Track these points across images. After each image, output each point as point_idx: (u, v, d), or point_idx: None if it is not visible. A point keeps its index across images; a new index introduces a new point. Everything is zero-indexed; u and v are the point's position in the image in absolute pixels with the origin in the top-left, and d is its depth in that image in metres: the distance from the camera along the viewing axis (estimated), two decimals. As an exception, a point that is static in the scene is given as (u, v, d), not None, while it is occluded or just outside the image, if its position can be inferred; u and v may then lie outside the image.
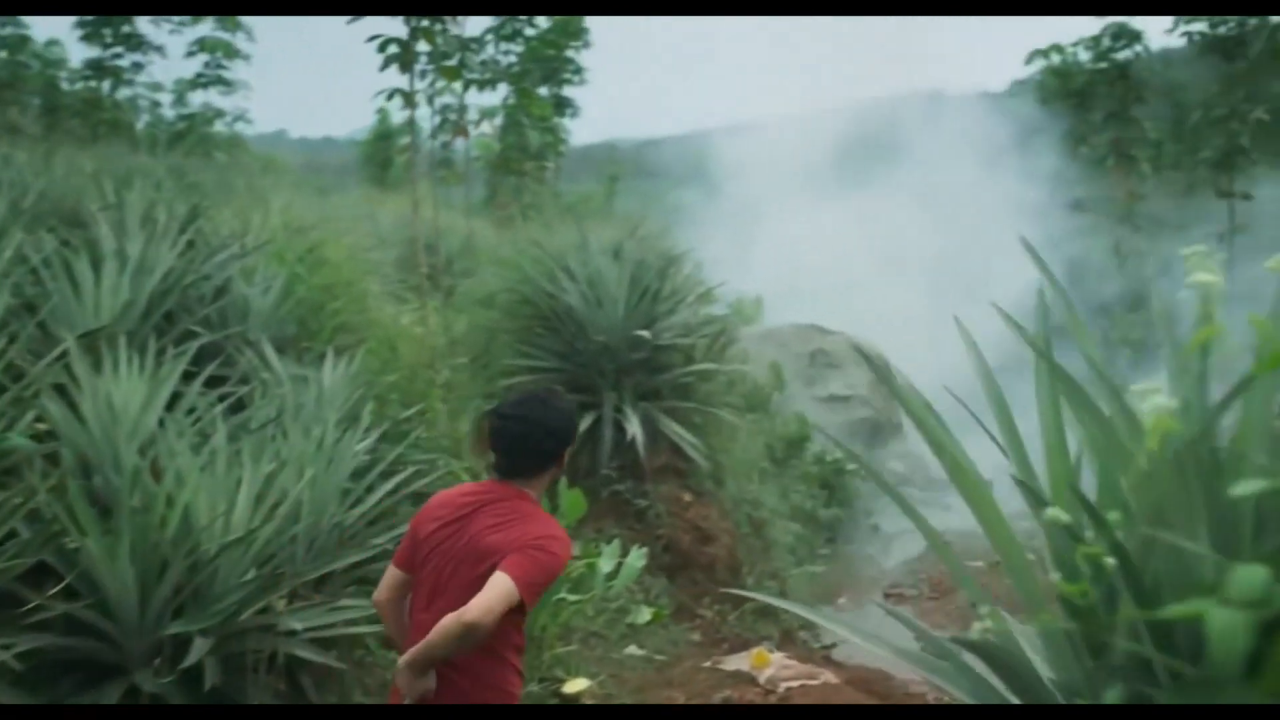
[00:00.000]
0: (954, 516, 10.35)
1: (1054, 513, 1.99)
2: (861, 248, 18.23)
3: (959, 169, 21.07)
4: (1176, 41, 14.35)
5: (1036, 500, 2.14)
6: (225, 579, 4.15)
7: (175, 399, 5.05)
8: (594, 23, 20.67)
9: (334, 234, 7.53)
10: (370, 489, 5.24)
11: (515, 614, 3.13)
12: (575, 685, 5.54)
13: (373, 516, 5.19)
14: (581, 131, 21.45)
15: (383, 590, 3.43)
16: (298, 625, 4.19)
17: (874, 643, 2.51)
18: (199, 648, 3.82)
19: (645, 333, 7.23)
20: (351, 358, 5.76)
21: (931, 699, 6.62)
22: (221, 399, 5.20)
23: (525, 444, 3.30)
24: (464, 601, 3.02)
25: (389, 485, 5.33)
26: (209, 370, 5.40)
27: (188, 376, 5.24)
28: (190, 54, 16.83)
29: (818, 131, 21.42)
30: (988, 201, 20.83)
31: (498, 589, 2.89)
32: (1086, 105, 23.70)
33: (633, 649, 6.33)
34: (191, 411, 5.02)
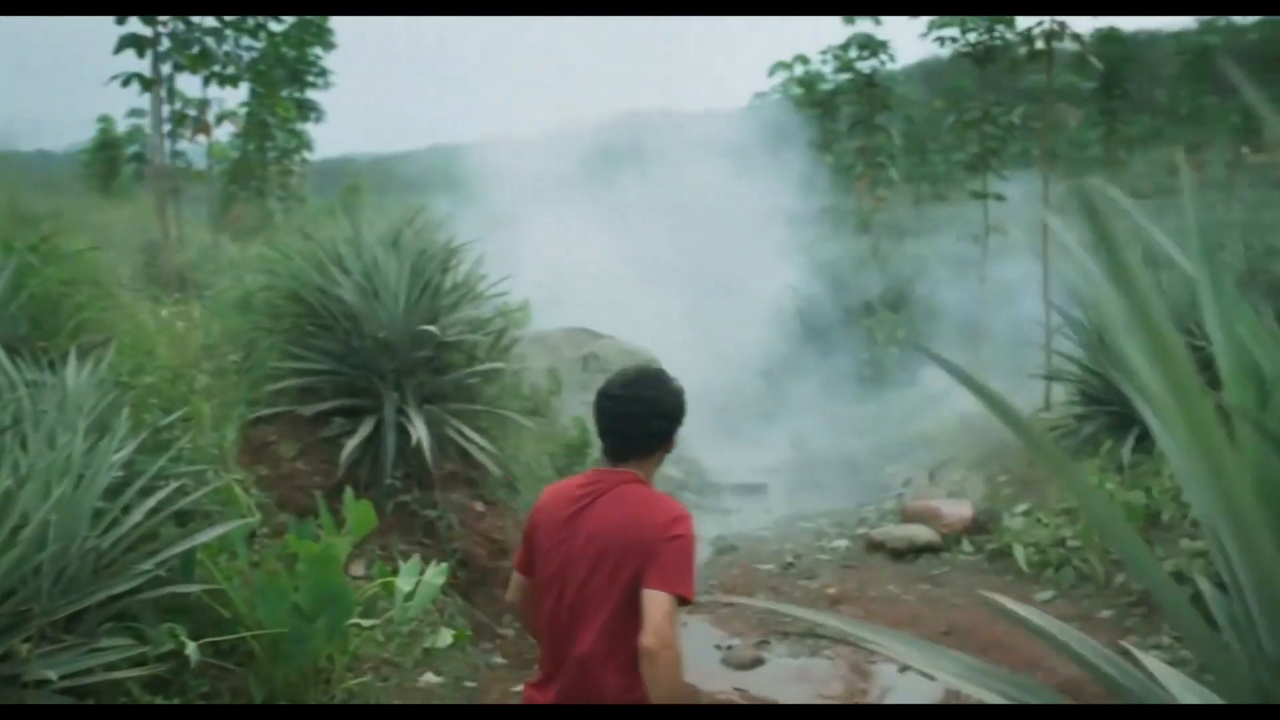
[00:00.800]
0: (734, 521, 10.15)
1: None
2: (619, 255, 18.10)
3: (710, 179, 21.27)
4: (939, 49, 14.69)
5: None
6: (-47, 622, 3.38)
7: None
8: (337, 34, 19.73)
9: (68, 227, 6.63)
10: (128, 509, 4.50)
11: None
12: (374, 721, 4.91)
13: (133, 540, 4.46)
14: (321, 146, 20.32)
15: (513, 594, 3.44)
16: (50, 674, 3.45)
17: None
18: (-79, 710, 3.06)
19: (432, 327, 6.62)
20: (100, 359, 4.96)
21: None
22: (-62, 407, 4.36)
23: (639, 425, 3.24)
24: (592, 601, 3.06)
25: (150, 503, 4.60)
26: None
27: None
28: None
29: (568, 144, 21.31)
30: (740, 210, 21.09)
31: (660, 609, 2.80)
32: (831, 114, 24.37)
33: (429, 676, 5.73)
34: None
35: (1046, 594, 8.17)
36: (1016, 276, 16.24)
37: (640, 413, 3.23)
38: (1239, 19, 30.90)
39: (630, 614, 3.00)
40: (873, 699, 6.82)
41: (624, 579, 3.04)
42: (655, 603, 2.93)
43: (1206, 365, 7.09)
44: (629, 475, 3.21)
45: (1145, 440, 9.04)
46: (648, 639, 2.89)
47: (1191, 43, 29.41)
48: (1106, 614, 7.58)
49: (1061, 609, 7.92)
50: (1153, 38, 34.56)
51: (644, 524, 3.08)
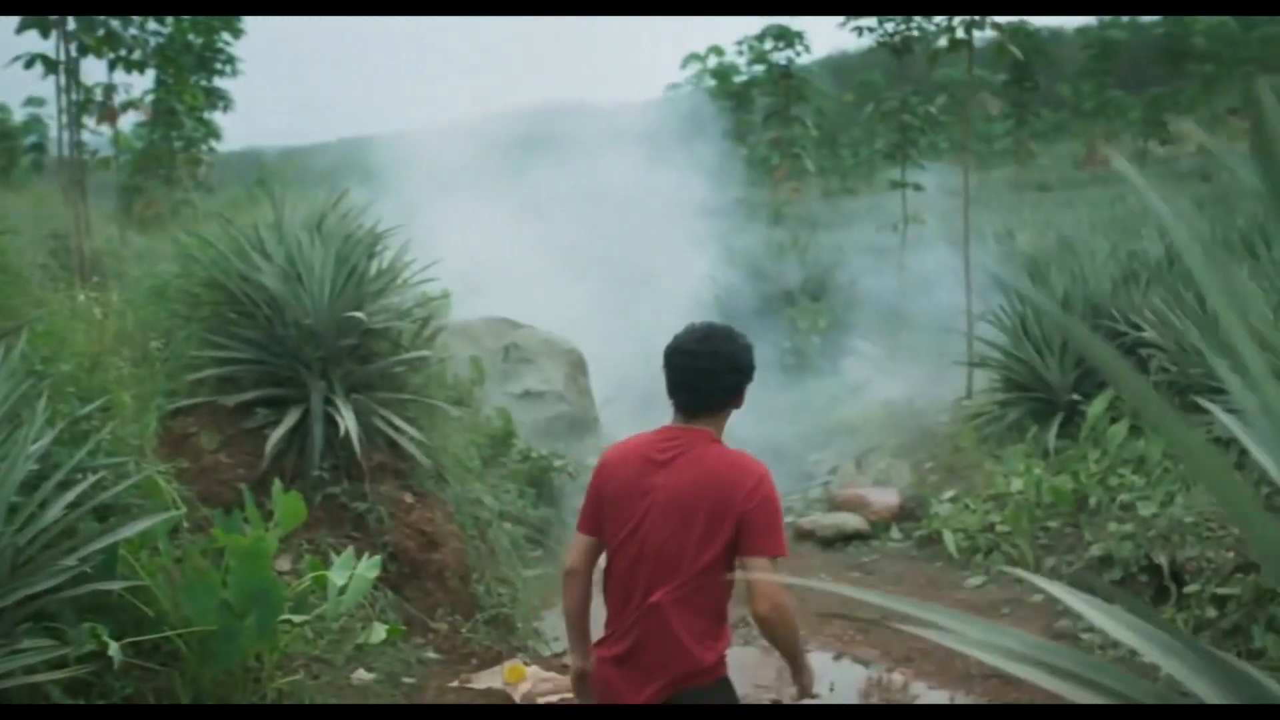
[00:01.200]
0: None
1: None
2: (535, 246, 17.93)
3: (624, 170, 21.18)
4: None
5: None
6: None
7: None
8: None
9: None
10: (45, 504, 4.27)
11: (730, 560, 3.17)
12: (309, 720, 4.72)
13: (51, 537, 4.23)
14: (226, 138, 19.68)
15: (575, 559, 3.39)
16: (-33, 678, 3.24)
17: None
18: None
19: (359, 314, 6.41)
20: (11, 346, 4.70)
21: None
22: None
23: (713, 380, 3.29)
24: (676, 559, 3.14)
25: (68, 497, 4.36)
26: None
27: None
28: None
29: (481, 136, 21.05)
30: (654, 201, 21.04)
31: (763, 575, 2.83)
32: (745, 106, 24.42)
33: (361, 673, 5.55)
34: None
35: (977, 579, 8.20)
36: (934, 265, 16.40)
37: (715, 368, 3.28)
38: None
39: (714, 572, 3.14)
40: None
41: (714, 541, 3.13)
42: (758, 569, 3.09)
43: (1131, 350, 7.10)
44: (706, 434, 3.28)
45: (1068, 425, 9.14)
46: (761, 606, 3.05)
47: (1096, 38, 29.97)
48: (1038, 598, 7.61)
49: (993, 594, 7.95)
50: (1055, 35, 35.22)
51: (731, 487, 3.15)
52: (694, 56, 27.10)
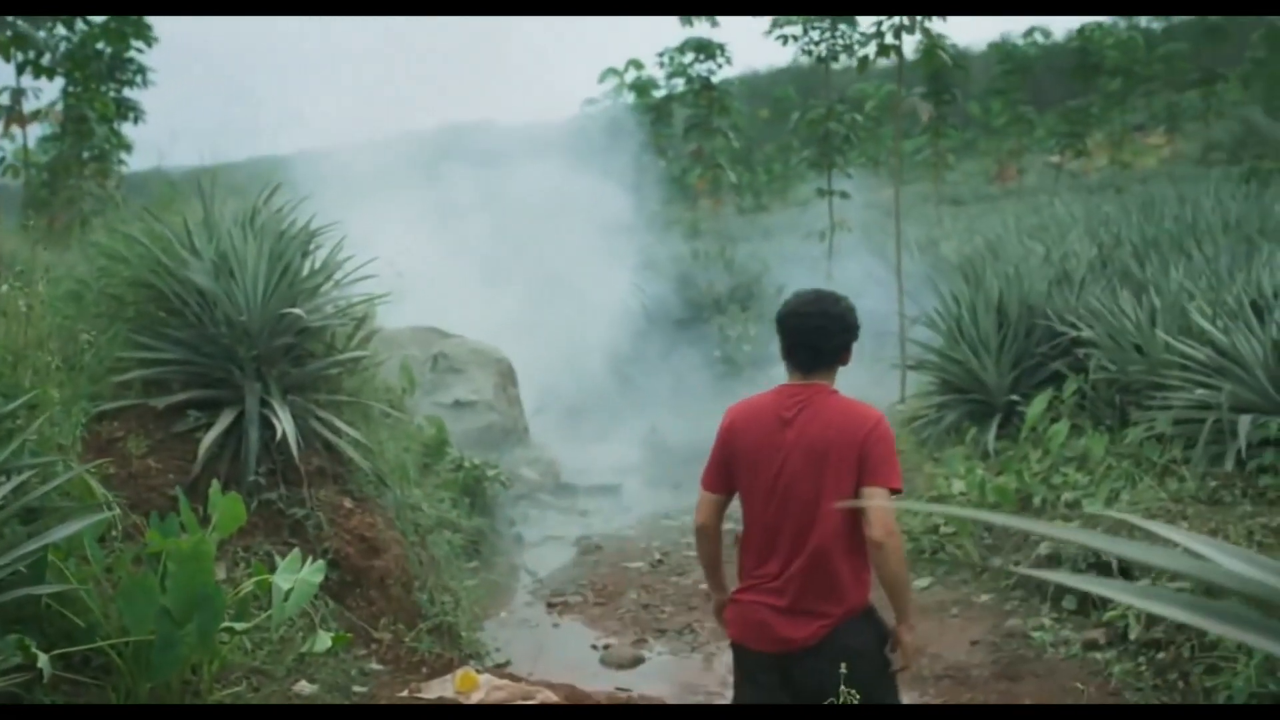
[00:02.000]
0: (595, 521, 9.85)
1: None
2: (453, 258, 17.68)
3: (542, 184, 21.05)
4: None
5: None
6: None
7: None
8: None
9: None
10: (-33, 505, 3.98)
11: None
12: (255, 733, 4.45)
13: (-26, 539, 3.94)
14: (134, 160, 18.92)
15: (706, 515, 3.88)
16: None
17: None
18: None
19: (297, 310, 6.14)
20: (-73, 339, 4.40)
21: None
22: None
23: (828, 339, 3.65)
24: (823, 499, 3.48)
25: (-7, 498, 4.08)
26: None
27: None
28: None
29: (397, 153, 20.79)
30: (574, 215, 20.90)
31: (881, 501, 3.03)
32: (664, 120, 24.36)
33: (304, 685, 5.28)
34: None
35: (924, 581, 8.12)
36: (860, 274, 16.44)
37: (829, 328, 3.65)
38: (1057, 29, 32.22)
39: (856, 510, 3.50)
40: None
41: (847, 478, 3.51)
42: (875, 498, 3.47)
43: (1066, 351, 7.09)
44: (824, 388, 3.67)
45: (1007, 426, 9.12)
46: (875, 532, 3.44)
47: (1009, 52, 30.44)
48: (986, 598, 7.56)
49: (940, 595, 7.88)
50: (962, 53, 35.76)
51: (853, 429, 3.55)
52: (612, 71, 27.01)
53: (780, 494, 3.58)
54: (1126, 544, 1.27)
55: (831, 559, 3.54)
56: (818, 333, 3.64)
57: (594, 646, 7.51)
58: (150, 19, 17.31)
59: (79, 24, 15.94)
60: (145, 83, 18.84)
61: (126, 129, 18.73)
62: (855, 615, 3.62)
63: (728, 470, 3.74)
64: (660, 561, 9.35)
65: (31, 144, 16.54)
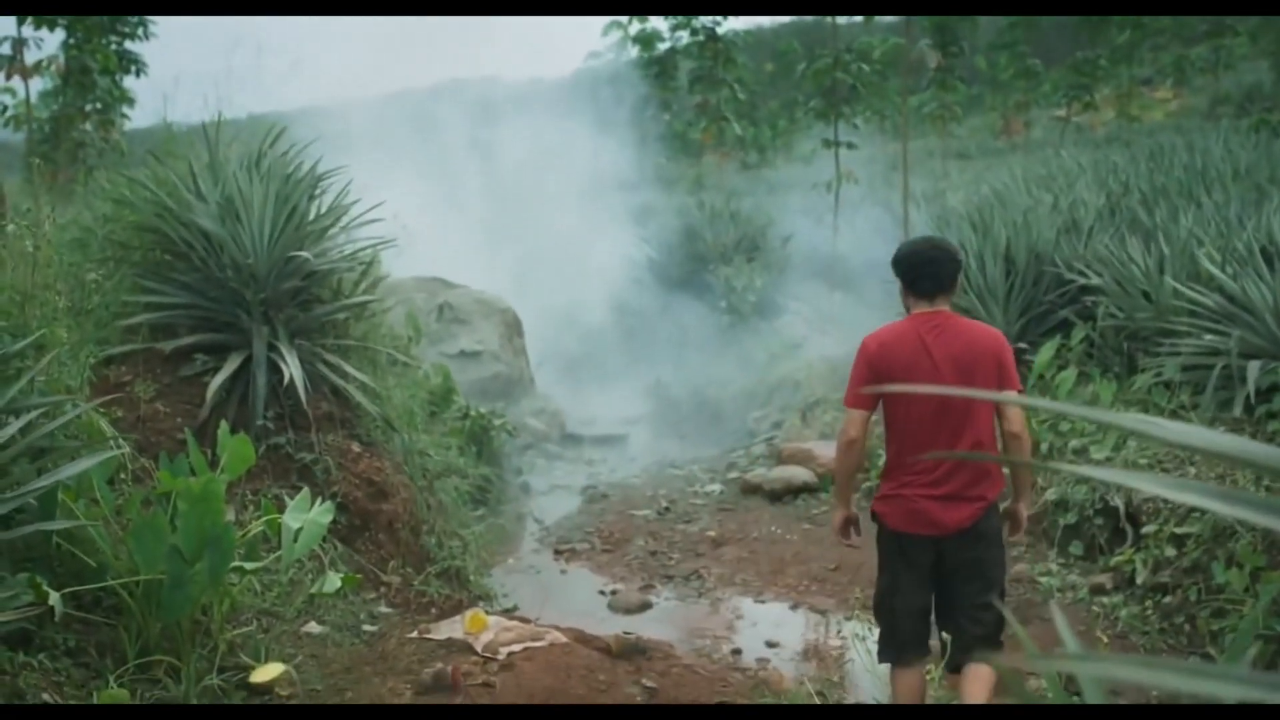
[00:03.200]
0: (601, 471, 9.84)
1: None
2: (459, 212, 17.63)
3: (547, 141, 20.97)
4: None
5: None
6: None
7: None
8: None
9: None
10: (-25, 443, 3.97)
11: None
12: (267, 672, 4.46)
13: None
14: (135, 115, 18.73)
15: (858, 430, 4.39)
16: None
17: None
18: None
19: (304, 253, 6.11)
20: (-66, 277, 4.38)
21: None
22: None
23: (942, 267, 4.39)
24: (968, 406, 4.24)
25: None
26: None
27: None
28: None
29: (400, 110, 20.71)
30: (581, 170, 20.79)
31: (1014, 398, 3.17)
32: (669, 73, 24.16)
33: (312, 625, 5.30)
34: None
35: (930, 528, 8.13)
36: (866, 226, 16.36)
37: (940, 259, 4.40)
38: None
39: (993, 408, 4.31)
40: (757, 635, 6.66)
41: (991, 384, 4.26)
42: (1011, 396, 4.46)
43: (1074, 299, 7.07)
44: (948, 312, 4.41)
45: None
46: (1014, 426, 4.30)
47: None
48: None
49: (946, 540, 7.89)
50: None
51: (988, 343, 4.34)
52: (616, 24, 26.76)
53: (935, 400, 4.24)
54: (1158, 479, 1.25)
55: (984, 452, 4.30)
56: (933, 263, 4.38)
57: (601, 592, 7.53)
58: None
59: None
60: (147, 35, 18.69)
61: (129, 83, 18.61)
62: (993, 501, 4.36)
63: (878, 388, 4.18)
64: (667, 509, 9.37)
65: (33, 99, 16.42)
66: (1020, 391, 4.49)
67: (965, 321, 4.44)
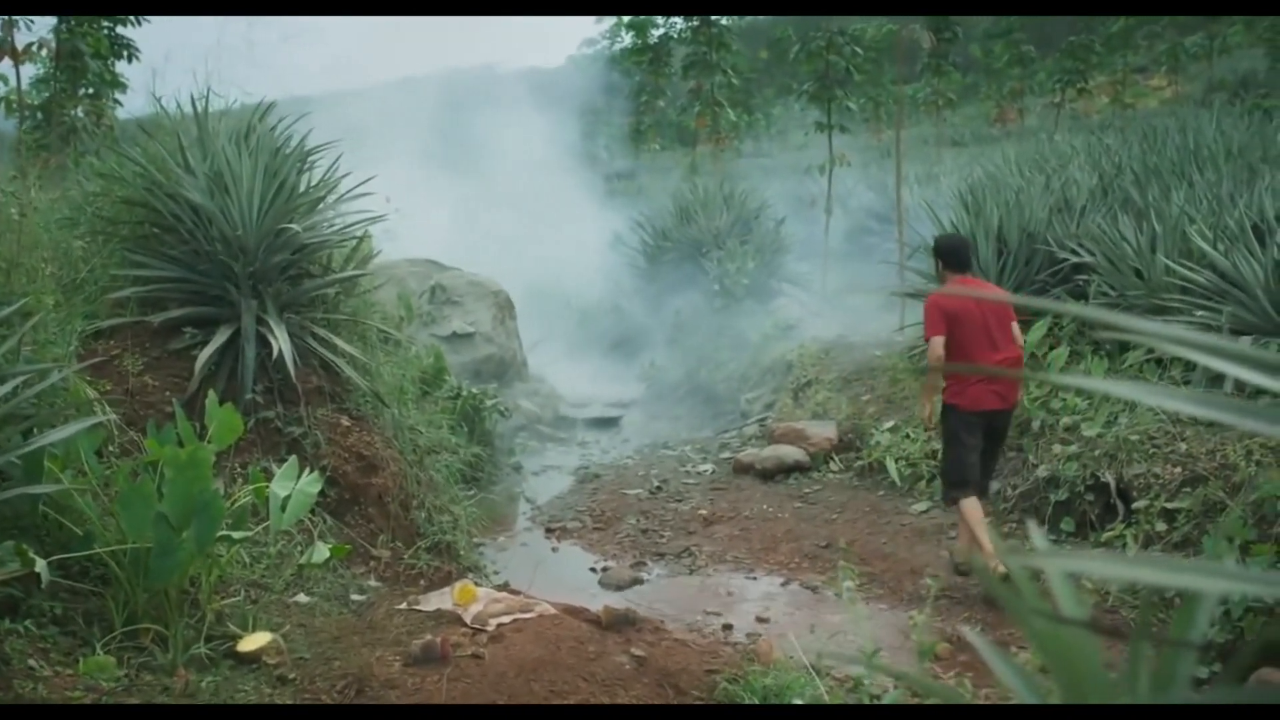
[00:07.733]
0: (594, 452, 9.80)
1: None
2: (454, 196, 17.64)
3: (543, 129, 20.97)
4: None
5: None
6: None
7: None
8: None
9: None
10: (-38, 406, 3.94)
11: None
12: (254, 641, 4.45)
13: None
14: (128, 101, 18.61)
15: (943, 349, 6.39)
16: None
17: None
18: None
19: (294, 226, 6.08)
20: (-81, 243, 4.34)
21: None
22: None
23: (970, 249, 6.99)
24: (1006, 334, 6.53)
25: (-13, 401, 4.04)
26: None
27: None
28: None
29: (395, 99, 20.74)
30: (574, 157, 20.80)
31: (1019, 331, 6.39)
32: (662, 59, 24.09)
33: (300, 596, 5.28)
34: None
35: (921, 505, 8.14)
36: (859, 210, 16.33)
37: (969, 245, 7.12)
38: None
39: (1011, 336, 6.59)
40: (747, 610, 6.64)
41: (1012, 317, 6.60)
42: (1018, 330, 6.66)
43: (1066, 278, 7.00)
44: (974, 278, 7.01)
45: (1006, 353, 9.09)
46: (1020, 341, 6.69)
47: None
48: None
49: (938, 518, 7.90)
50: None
51: (1004, 295, 7.71)
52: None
53: (986, 334, 6.45)
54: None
55: (1020, 357, 6.58)
56: (965, 247, 6.86)
57: (592, 569, 7.52)
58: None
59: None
60: (139, 20, 18.57)
61: (121, 67, 18.49)
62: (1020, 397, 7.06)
63: (952, 326, 6.39)
64: (659, 489, 9.35)
65: (25, 86, 16.31)
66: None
67: (989, 285, 7.73)
